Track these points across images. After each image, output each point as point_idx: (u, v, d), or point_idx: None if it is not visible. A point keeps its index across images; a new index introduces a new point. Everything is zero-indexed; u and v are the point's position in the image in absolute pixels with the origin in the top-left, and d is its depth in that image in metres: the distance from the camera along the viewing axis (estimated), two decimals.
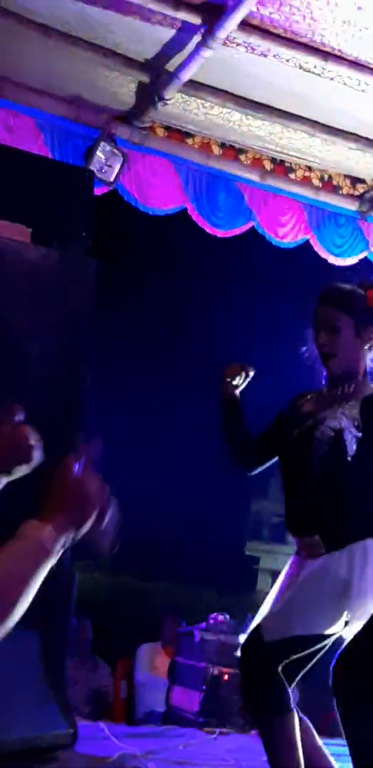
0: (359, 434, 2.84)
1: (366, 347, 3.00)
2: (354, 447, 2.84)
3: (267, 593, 3.13)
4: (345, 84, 4.85)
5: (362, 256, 6.17)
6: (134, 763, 4.28)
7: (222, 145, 5.52)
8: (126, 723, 6.37)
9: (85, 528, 1.31)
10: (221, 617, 6.71)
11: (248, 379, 3.25)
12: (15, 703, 3.46)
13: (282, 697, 2.82)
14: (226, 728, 5.61)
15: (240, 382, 3.23)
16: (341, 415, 2.89)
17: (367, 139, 5.48)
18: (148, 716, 6.71)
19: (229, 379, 3.21)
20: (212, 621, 6.63)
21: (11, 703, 3.41)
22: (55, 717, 3.70)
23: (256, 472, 3.25)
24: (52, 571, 4.00)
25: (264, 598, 3.12)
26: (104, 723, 5.21)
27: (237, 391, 3.23)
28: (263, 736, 2.90)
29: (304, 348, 3.06)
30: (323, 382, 3.06)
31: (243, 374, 3.23)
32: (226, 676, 6.20)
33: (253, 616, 7.34)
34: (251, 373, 3.24)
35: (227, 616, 6.75)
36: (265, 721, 2.87)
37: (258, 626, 2.91)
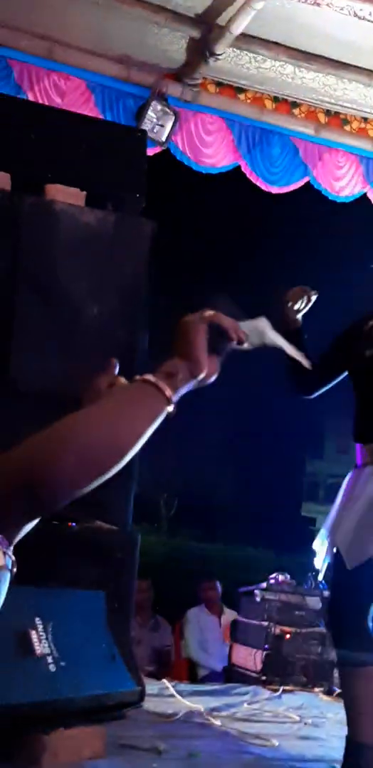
0: None
1: None
2: None
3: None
4: None
5: None
6: (200, 719, 4.33)
7: (275, 99, 5.42)
8: (189, 681, 6.43)
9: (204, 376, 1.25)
10: (281, 577, 6.72)
11: (310, 304, 3.25)
12: (84, 662, 3.51)
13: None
14: (289, 686, 5.63)
15: (302, 306, 3.22)
16: None
17: None
18: (210, 675, 6.78)
19: (290, 303, 3.19)
20: (272, 580, 6.64)
21: (80, 662, 3.45)
22: (123, 675, 3.74)
23: (316, 394, 3.27)
24: (116, 534, 4.02)
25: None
26: (168, 681, 5.27)
27: (299, 316, 3.22)
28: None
29: None
30: None
31: (305, 298, 3.23)
32: (288, 635, 6.22)
33: (312, 576, 7.32)
34: (314, 297, 3.24)
35: (288, 576, 6.75)
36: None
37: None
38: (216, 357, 1.29)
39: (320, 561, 3.16)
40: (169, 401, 1.21)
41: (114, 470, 1.18)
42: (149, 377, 1.21)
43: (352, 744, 2.96)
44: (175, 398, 1.22)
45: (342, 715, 4.83)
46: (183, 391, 1.24)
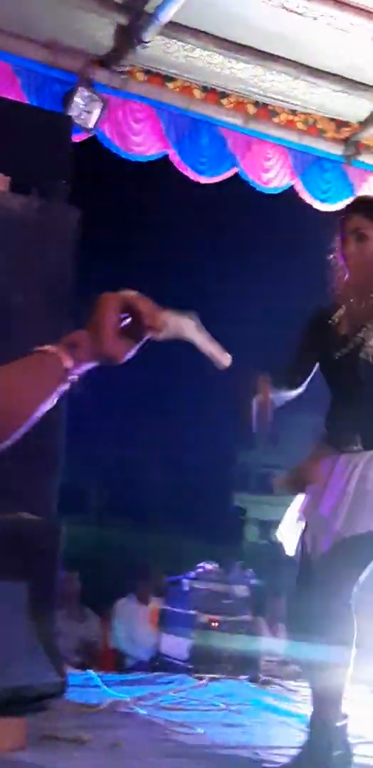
0: None
1: None
2: None
3: (255, 543, 3.15)
4: (329, 24, 4.76)
5: (347, 201, 6.09)
6: (125, 709, 4.32)
7: (204, 89, 5.42)
8: (116, 672, 6.42)
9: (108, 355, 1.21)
10: (209, 566, 6.76)
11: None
12: (5, 654, 3.46)
13: None
14: (216, 674, 5.66)
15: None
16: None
17: (351, 80, 5.39)
18: (137, 665, 6.78)
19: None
20: (200, 569, 6.68)
21: (1, 654, 3.41)
22: (45, 666, 3.71)
23: (304, 385, 3.23)
24: (39, 524, 3.97)
25: (252, 549, 3.17)
26: (94, 672, 5.25)
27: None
28: None
29: (331, 256, 3.06)
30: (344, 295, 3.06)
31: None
32: (215, 623, 6.26)
33: (241, 565, 7.38)
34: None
35: (216, 565, 6.80)
36: None
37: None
38: (127, 339, 1.26)
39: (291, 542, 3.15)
40: (67, 372, 1.18)
41: (10, 439, 1.15)
42: (48, 348, 1.18)
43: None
44: (76, 370, 1.19)
45: (267, 701, 4.91)
46: (87, 365, 1.21)
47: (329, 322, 3.10)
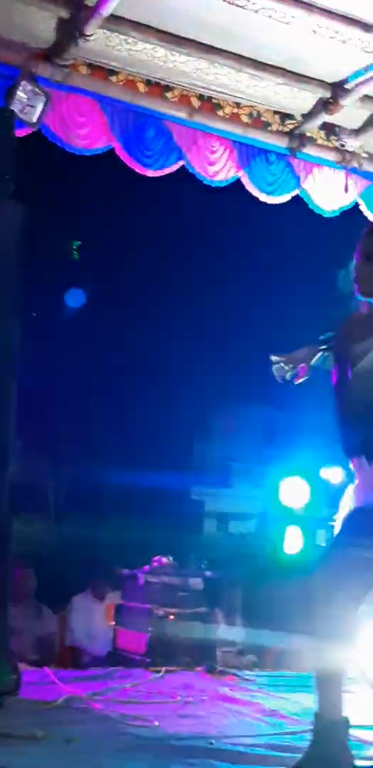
0: None
1: None
2: None
3: (212, 535, 3.17)
4: (270, 17, 4.78)
5: (294, 193, 6.15)
6: (80, 704, 4.31)
7: (148, 83, 5.40)
8: (73, 668, 6.40)
9: None
10: (164, 559, 6.78)
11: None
12: None
13: None
14: (173, 667, 5.68)
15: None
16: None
17: (294, 73, 5.43)
18: (94, 661, 6.77)
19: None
20: (155, 563, 6.69)
21: None
22: None
23: None
24: None
25: (211, 541, 3.18)
26: (51, 669, 5.23)
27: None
28: None
29: (342, 272, 3.34)
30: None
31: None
32: (171, 617, 6.27)
33: (197, 557, 7.40)
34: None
35: (171, 558, 6.81)
36: None
37: None
38: None
39: None
40: None
41: None
42: None
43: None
44: None
45: (222, 691, 4.95)
46: None
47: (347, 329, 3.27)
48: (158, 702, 4.53)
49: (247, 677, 5.58)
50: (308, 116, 5.77)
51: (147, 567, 6.60)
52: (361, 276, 3.19)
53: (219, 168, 5.76)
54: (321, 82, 5.46)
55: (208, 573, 6.84)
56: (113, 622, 6.61)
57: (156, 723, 3.94)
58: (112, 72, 5.28)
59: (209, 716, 4.22)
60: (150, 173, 5.58)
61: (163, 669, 5.46)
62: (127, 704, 4.37)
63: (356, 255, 3.23)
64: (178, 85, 5.45)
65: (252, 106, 5.75)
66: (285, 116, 5.88)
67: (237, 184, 5.95)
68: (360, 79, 5.29)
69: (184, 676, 5.36)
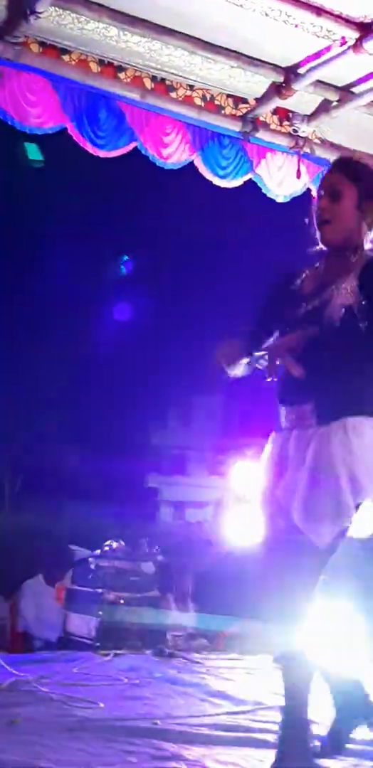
0: (365, 306, 2.79)
1: (366, 222, 2.90)
2: (365, 322, 2.78)
3: (168, 523, 3.06)
4: None
5: (246, 178, 6.14)
6: (27, 687, 4.29)
7: (101, 63, 5.35)
8: (24, 653, 6.36)
9: None
10: (115, 544, 6.78)
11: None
12: None
13: None
14: (121, 650, 5.69)
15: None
16: (347, 290, 2.82)
17: (248, 57, 5.42)
18: (45, 646, 6.73)
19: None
20: (106, 548, 6.69)
21: None
22: None
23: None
24: None
25: (166, 529, 3.06)
26: (0, 654, 5.20)
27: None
28: None
29: (306, 219, 2.98)
30: (318, 258, 2.98)
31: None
32: (121, 600, 6.27)
33: (147, 542, 7.36)
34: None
35: (122, 543, 6.81)
36: None
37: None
38: None
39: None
40: None
41: None
42: None
43: None
44: None
45: (170, 674, 4.96)
46: None
47: (292, 287, 2.97)
48: (104, 684, 4.52)
49: (196, 660, 5.61)
50: (261, 100, 5.77)
51: (98, 551, 6.60)
52: (327, 218, 2.88)
53: (172, 150, 5.74)
54: (274, 66, 5.46)
55: (160, 558, 6.85)
56: (63, 607, 6.59)
57: (101, 705, 3.93)
58: (65, 51, 5.22)
59: (155, 698, 4.22)
60: (102, 154, 5.53)
61: (112, 652, 5.46)
62: (73, 687, 4.36)
63: (317, 196, 2.95)
64: (131, 65, 5.41)
65: (206, 89, 5.73)
66: (239, 100, 5.87)
67: (191, 167, 5.93)
68: (312, 63, 5.30)
69: (132, 659, 5.36)
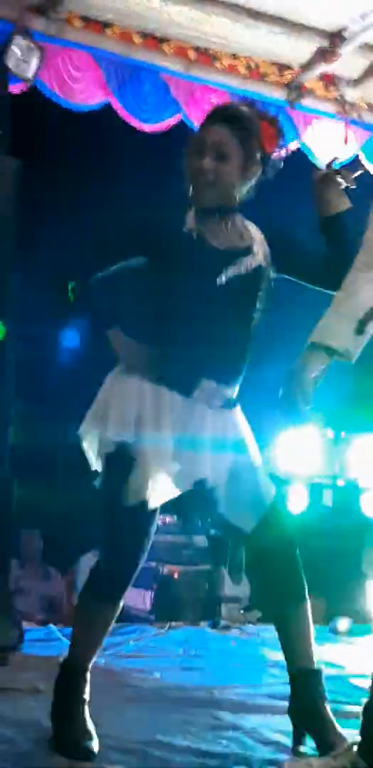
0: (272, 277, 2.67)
1: (245, 185, 2.66)
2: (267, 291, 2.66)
3: None
4: None
5: (292, 146, 6.06)
6: None
7: (143, 35, 5.33)
8: None
9: None
10: (168, 518, 6.81)
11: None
12: None
13: None
14: (177, 622, 5.72)
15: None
16: (260, 255, 2.66)
17: (292, 22, 5.35)
18: None
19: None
20: (160, 522, 6.71)
21: None
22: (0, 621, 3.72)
23: None
24: None
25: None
26: (56, 626, 5.27)
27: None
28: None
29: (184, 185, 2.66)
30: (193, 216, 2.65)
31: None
32: (176, 575, 6.31)
33: (201, 516, 7.41)
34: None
35: (175, 517, 6.84)
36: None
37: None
38: None
39: None
40: None
41: None
42: None
43: None
44: None
45: (226, 645, 4.98)
46: None
47: (184, 229, 2.60)
48: (161, 656, 4.56)
49: (251, 632, 5.61)
50: (306, 67, 5.69)
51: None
52: (211, 180, 2.57)
53: None
54: (320, 31, 5.38)
55: (212, 531, 6.87)
56: None
57: (157, 675, 3.96)
58: (107, 24, 5.20)
59: (211, 668, 4.24)
60: (147, 128, 5.52)
61: (168, 624, 5.50)
62: (130, 658, 4.40)
63: (194, 148, 2.61)
64: (174, 36, 5.37)
65: (249, 58, 5.67)
66: (283, 67, 5.79)
67: None
68: (359, 27, 5.20)
69: (187, 631, 5.39)
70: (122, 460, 2.55)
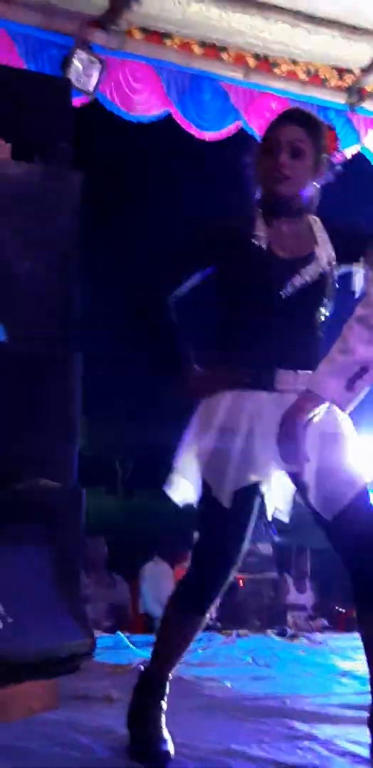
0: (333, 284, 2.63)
1: (314, 186, 2.65)
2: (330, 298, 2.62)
3: None
4: None
5: (353, 149, 6.02)
6: None
7: (203, 45, 5.35)
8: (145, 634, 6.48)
9: None
10: None
11: None
12: (33, 618, 3.50)
13: None
14: (244, 630, 5.71)
15: None
16: (324, 259, 2.62)
17: (351, 26, 5.33)
18: None
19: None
20: None
21: (29, 618, 3.45)
22: (72, 628, 3.75)
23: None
24: (59, 491, 3.99)
25: None
26: (124, 634, 5.30)
27: None
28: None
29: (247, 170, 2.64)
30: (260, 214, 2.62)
31: None
32: (241, 582, 6.30)
33: (264, 523, 7.39)
34: None
35: None
36: None
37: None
38: None
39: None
40: None
41: None
42: None
43: None
44: None
45: (294, 654, 4.94)
46: None
47: (253, 241, 2.61)
48: (231, 664, 4.54)
49: (319, 640, 5.57)
50: (366, 70, 5.64)
51: None
52: (287, 174, 2.56)
53: None
54: None
55: (277, 539, 6.84)
56: None
57: (229, 684, 3.95)
58: (167, 35, 5.25)
59: (282, 677, 4.21)
60: (208, 136, 5.54)
61: (235, 632, 5.48)
62: (200, 667, 4.39)
63: (268, 145, 2.57)
64: (233, 45, 5.39)
65: (309, 62, 5.65)
66: (343, 71, 5.76)
67: None
68: None
69: (254, 640, 5.37)
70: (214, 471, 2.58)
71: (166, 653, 2.74)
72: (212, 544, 2.67)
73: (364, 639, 2.65)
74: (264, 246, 2.62)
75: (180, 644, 2.73)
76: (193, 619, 2.69)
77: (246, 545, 2.69)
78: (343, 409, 2.35)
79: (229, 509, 2.56)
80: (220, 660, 4.66)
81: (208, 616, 2.73)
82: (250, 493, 2.60)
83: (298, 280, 2.62)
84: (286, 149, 2.58)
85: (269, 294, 2.59)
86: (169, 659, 2.74)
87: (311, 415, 2.40)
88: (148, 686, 2.76)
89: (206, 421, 2.62)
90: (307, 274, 2.61)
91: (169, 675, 2.74)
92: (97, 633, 5.14)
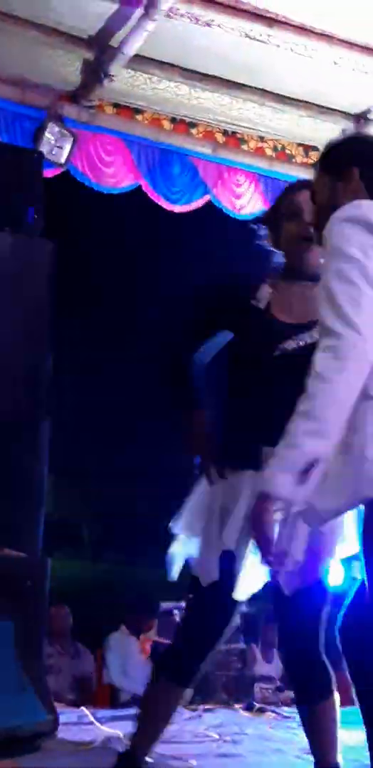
0: None
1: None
2: None
3: None
4: (292, 50, 4.82)
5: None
6: (119, 745, 4.26)
7: (173, 120, 5.47)
8: (111, 707, 6.35)
9: None
10: None
11: None
12: None
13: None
14: (210, 704, 5.61)
15: None
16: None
17: (317, 105, 5.46)
18: (131, 699, 6.70)
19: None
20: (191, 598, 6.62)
21: None
22: (34, 705, 3.67)
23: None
24: (22, 561, 3.92)
25: None
26: (88, 709, 5.17)
27: None
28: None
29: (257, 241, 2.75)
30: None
31: None
32: None
33: None
34: None
35: None
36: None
37: None
38: None
39: None
40: None
41: None
42: None
43: None
44: None
45: (262, 729, 4.86)
46: None
47: (253, 302, 2.66)
48: (196, 741, 4.45)
49: (286, 714, 5.49)
50: None
51: (183, 603, 6.55)
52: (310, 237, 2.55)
53: (245, 202, 5.79)
54: (344, 114, 5.48)
55: (244, 609, 6.77)
56: (149, 660, 6.57)
57: (194, 763, 3.87)
58: (138, 111, 5.35)
59: (249, 755, 4.13)
60: (177, 209, 5.63)
61: (201, 707, 5.39)
62: (165, 743, 4.30)
63: (293, 211, 2.67)
64: (203, 121, 5.51)
65: (276, 140, 5.78)
66: (309, 148, 5.90)
67: None
68: None
69: (222, 714, 5.28)
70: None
71: (149, 732, 2.72)
72: (201, 616, 2.66)
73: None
74: (262, 307, 2.66)
75: (163, 720, 2.73)
76: (176, 692, 2.69)
77: (236, 617, 2.72)
78: (297, 504, 2.33)
79: (217, 581, 2.57)
80: (185, 736, 4.57)
81: (187, 690, 2.73)
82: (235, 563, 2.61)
83: (290, 344, 2.63)
84: (308, 213, 2.60)
85: (261, 356, 2.61)
86: (150, 738, 2.72)
87: (275, 512, 2.39)
88: (132, 765, 2.72)
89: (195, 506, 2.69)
90: (301, 340, 2.61)
91: (149, 754, 2.72)
92: (60, 707, 5.02)
